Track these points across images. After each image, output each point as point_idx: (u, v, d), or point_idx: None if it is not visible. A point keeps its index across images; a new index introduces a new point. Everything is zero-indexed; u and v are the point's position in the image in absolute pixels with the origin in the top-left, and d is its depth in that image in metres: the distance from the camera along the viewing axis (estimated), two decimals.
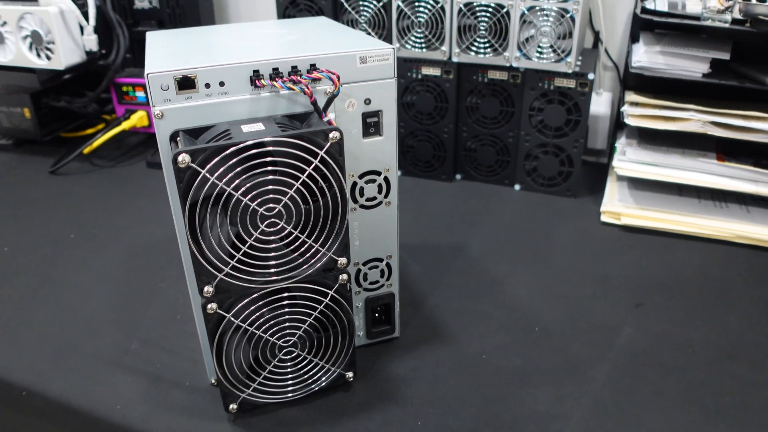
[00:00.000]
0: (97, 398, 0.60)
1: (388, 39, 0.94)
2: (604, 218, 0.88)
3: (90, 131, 1.17)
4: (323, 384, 0.58)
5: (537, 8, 0.85)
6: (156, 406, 0.59)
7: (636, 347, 0.65)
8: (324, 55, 0.51)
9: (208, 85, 0.48)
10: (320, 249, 0.51)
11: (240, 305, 0.52)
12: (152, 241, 0.85)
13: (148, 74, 0.47)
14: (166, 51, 0.53)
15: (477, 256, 0.81)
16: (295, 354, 0.56)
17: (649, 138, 0.88)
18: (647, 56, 0.82)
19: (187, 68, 0.47)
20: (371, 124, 0.55)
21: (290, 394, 0.57)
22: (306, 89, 0.48)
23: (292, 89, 0.49)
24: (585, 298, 0.73)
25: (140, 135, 1.18)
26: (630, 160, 0.85)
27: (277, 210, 0.48)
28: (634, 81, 0.89)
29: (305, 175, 0.48)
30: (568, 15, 0.83)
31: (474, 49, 0.90)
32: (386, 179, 0.58)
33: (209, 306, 0.51)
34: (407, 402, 0.59)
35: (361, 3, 0.94)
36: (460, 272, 0.78)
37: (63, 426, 0.62)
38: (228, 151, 0.45)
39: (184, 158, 0.44)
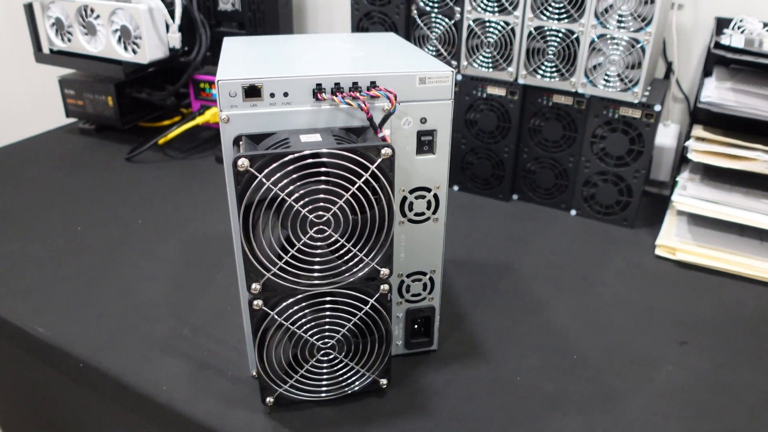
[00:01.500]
0: (146, 377, 0.64)
1: (456, 57, 0.96)
2: (658, 252, 0.86)
3: (167, 122, 1.24)
4: (356, 388, 0.60)
5: (608, 36, 0.84)
6: (199, 391, 0.62)
7: (674, 385, 0.64)
8: (384, 73, 0.53)
9: (272, 95, 0.51)
10: (364, 258, 0.53)
11: (284, 304, 0.55)
12: (213, 234, 0.90)
13: (218, 81, 0.50)
14: (238, 59, 0.57)
15: (523, 277, 0.82)
16: (332, 356, 0.58)
17: (713, 174, 0.86)
18: (717, 92, 0.80)
19: (254, 78, 0.51)
20: (425, 143, 0.57)
21: (324, 394, 0.59)
22: (363, 106, 0.51)
23: (350, 105, 0.51)
24: (627, 330, 0.72)
25: (212, 130, 1.24)
26: (691, 196, 0.83)
27: (326, 218, 0.50)
28: (703, 115, 0.87)
29: (355, 187, 0.50)
30: (639, 45, 0.82)
31: (541, 72, 0.90)
32: (436, 196, 0.59)
33: (255, 302, 0.54)
34: (437, 415, 0.60)
35: (433, 19, 0.96)
36: (504, 292, 0.78)
37: (113, 400, 0.67)
38: (285, 159, 0.48)
39: (243, 162, 0.47)
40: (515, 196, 1.03)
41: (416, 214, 0.60)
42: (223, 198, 1.00)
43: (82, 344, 0.69)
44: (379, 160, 0.50)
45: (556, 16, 0.86)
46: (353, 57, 0.59)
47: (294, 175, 0.49)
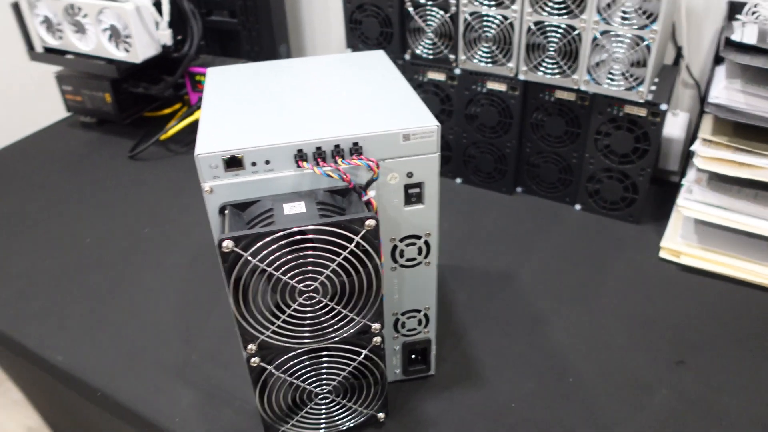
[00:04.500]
0: (159, 408, 0.67)
1: (454, 50, 0.93)
2: (663, 254, 0.85)
3: (168, 111, 1.23)
4: (352, 424, 0.62)
5: (611, 33, 0.80)
6: (209, 423, 0.65)
7: (667, 412, 0.65)
8: (367, 134, 0.52)
9: (254, 164, 0.51)
10: (355, 317, 0.54)
11: (281, 360, 0.56)
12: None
13: (197, 155, 0.49)
14: (218, 119, 0.55)
15: (525, 286, 0.82)
16: (330, 399, 0.60)
17: (721, 175, 0.84)
18: (726, 93, 0.77)
19: (234, 149, 0.50)
20: (413, 195, 0.56)
21: (323, 431, 0.62)
22: (344, 177, 0.50)
23: (331, 176, 0.50)
24: (626, 349, 0.72)
25: None
26: (696, 200, 0.81)
27: (314, 286, 0.51)
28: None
29: (341, 257, 0.50)
30: (644, 43, 0.79)
31: (542, 69, 0.87)
32: (426, 243, 0.59)
33: (252, 360, 0.55)
34: None
35: (428, 12, 0.92)
36: (504, 304, 0.79)
37: (132, 425, 0.70)
38: (269, 238, 0.48)
39: (227, 244, 0.47)
40: (519, 189, 1.01)
41: (408, 260, 0.60)
42: None
43: (98, 372, 0.71)
44: (364, 231, 0.50)
45: (557, 12, 0.82)
46: (336, 110, 0.56)
47: (279, 251, 0.49)
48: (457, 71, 0.94)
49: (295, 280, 0.50)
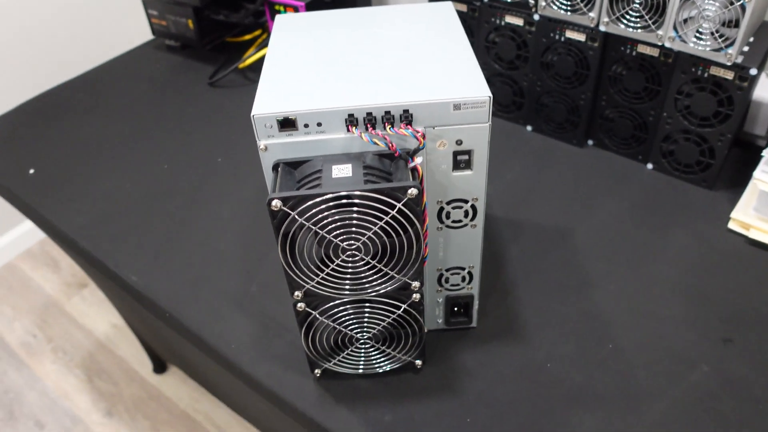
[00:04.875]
0: (219, 333, 0.74)
1: None
2: (731, 226, 0.82)
3: (248, 37, 1.26)
4: (389, 368, 0.66)
5: None
6: (261, 352, 0.71)
7: (703, 390, 0.65)
8: (417, 102, 0.52)
9: (306, 125, 0.53)
10: (395, 275, 0.57)
11: (325, 306, 0.60)
12: None
13: (253, 115, 0.52)
14: (275, 78, 0.57)
15: (579, 246, 0.82)
16: (370, 345, 0.64)
17: None
18: None
19: (288, 111, 0.52)
20: (461, 162, 0.57)
21: (361, 370, 0.67)
22: (390, 145, 0.51)
23: (377, 144, 0.51)
24: (672, 321, 0.72)
25: None
26: None
27: (356, 246, 0.54)
28: None
29: (383, 221, 0.52)
30: (738, 3, 0.72)
31: (625, 21, 0.82)
32: (473, 206, 0.60)
33: (299, 305, 0.59)
34: (465, 396, 0.66)
35: None
36: (556, 264, 0.79)
37: (197, 347, 0.77)
38: (314, 200, 0.51)
39: (276, 203, 0.50)
40: (591, 142, 0.98)
41: (454, 221, 0.61)
42: None
43: (169, 296, 0.79)
44: (405, 199, 0.51)
45: None
46: (390, 74, 0.57)
47: (324, 212, 0.52)
48: (536, 17, 0.90)
49: (339, 239, 0.53)
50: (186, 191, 0.94)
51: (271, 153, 0.54)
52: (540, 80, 0.96)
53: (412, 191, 0.51)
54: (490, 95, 0.53)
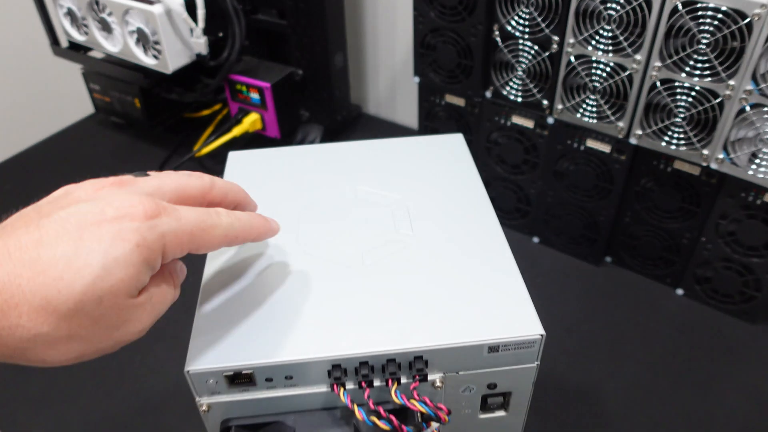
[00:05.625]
0: None
1: (549, 95, 0.73)
2: None
3: (207, 112, 1.08)
4: None
5: (766, 108, 0.60)
6: None
7: None
8: (434, 347, 0.36)
9: (270, 379, 0.36)
10: None
11: None
12: None
13: (188, 371, 0.35)
14: (220, 300, 0.39)
15: (610, 411, 0.66)
16: None
17: None
18: None
19: (239, 364, 0.35)
20: (493, 404, 0.41)
21: None
22: (395, 426, 0.35)
23: (376, 425, 0.35)
24: None
25: (252, 135, 1.06)
26: None
27: None
28: None
29: None
30: None
31: (666, 138, 0.68)
32: None
33: None
34: None
35: (521, 46, 0.73)
36: None
37: None
38: None
39: None
40: (608, 259, 0.84)
41: None
42: None
43: None
44: None
45: (698, 72, 0.62)
46: (388, 297, 0.39)
47: None
48: (550, 120, 0.75)
49: None
50: None
51: (216, 412, 0.38)
52: (552, 189, 0.81)
53: None
54: (543, 333, 0.37)
